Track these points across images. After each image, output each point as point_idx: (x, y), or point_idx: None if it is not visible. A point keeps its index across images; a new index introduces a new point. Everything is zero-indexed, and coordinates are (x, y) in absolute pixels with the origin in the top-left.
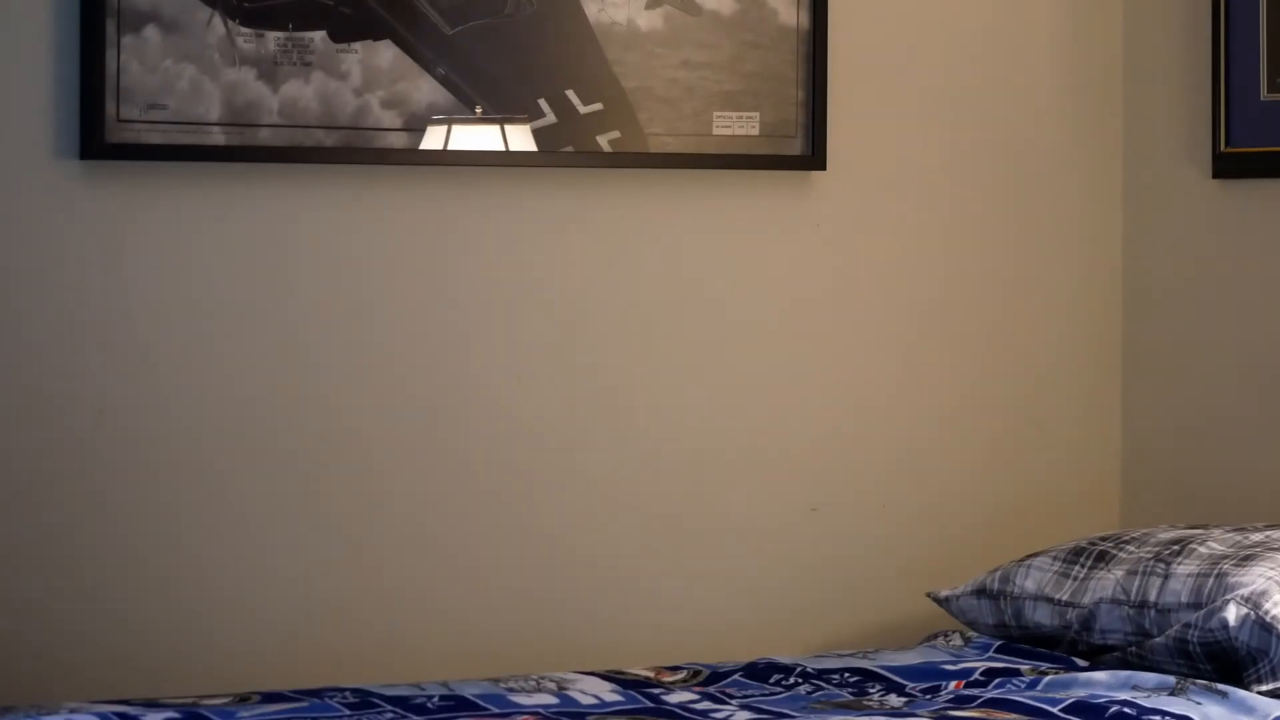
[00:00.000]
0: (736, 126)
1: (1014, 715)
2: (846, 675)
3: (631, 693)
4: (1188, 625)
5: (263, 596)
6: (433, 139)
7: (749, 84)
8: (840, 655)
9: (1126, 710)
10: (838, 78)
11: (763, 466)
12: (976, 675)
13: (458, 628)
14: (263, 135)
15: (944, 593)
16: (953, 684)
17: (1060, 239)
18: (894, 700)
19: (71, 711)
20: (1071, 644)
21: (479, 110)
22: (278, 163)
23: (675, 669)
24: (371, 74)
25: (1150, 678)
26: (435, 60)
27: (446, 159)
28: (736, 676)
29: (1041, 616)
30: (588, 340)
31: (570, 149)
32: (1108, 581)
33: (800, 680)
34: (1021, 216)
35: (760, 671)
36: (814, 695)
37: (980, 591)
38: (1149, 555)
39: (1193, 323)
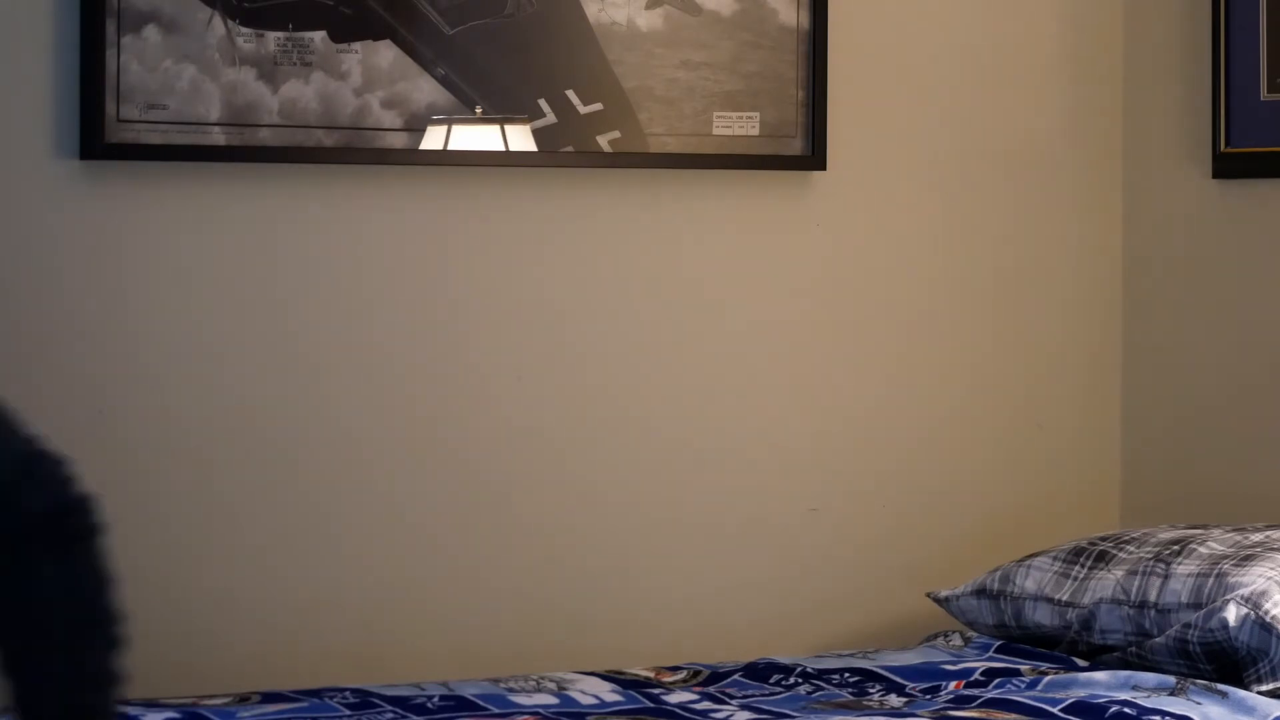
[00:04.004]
0: (736, 126)
1: (1014, 715)
2: (846, 675)
3: (631, 693)
4: (1188, 625)
5: (263, 597)
6: (433, 139)
7: (749, 84)
8: (840, 655)
9: (1126, 710)
10: (838, 78)
11: (762, 466)
12: (976, 675)
13: (458, 628)
14: (263, 135)
15: (944, 593)
16: (953, 684)
17: (1060, 239)
18: (894, 700)
19: None
20: (1071, 644)
21: (479, 110)
22: (278, 163)
23: (675, 669)
24: (371, 74)
25: (1150, 678)
26: (435, 60)
27: (446, 159)
28: (736, 676)
29: (1041, 616)
30: (587, 340)
31: (570, 149)
32: (1108, 581)
33: (800, 680)
34: (1021, 216)
35: (760, 671)
36: (814, 695)
37: (980, 591)
38: (1149, 555)
39: (1193, 323)
